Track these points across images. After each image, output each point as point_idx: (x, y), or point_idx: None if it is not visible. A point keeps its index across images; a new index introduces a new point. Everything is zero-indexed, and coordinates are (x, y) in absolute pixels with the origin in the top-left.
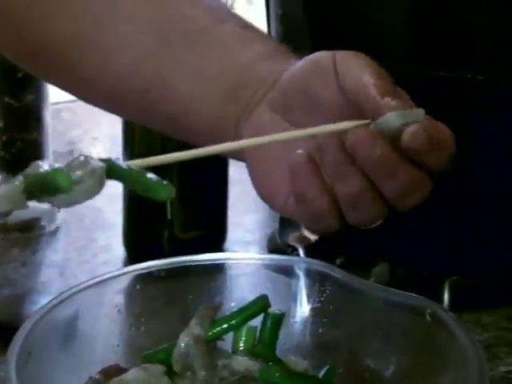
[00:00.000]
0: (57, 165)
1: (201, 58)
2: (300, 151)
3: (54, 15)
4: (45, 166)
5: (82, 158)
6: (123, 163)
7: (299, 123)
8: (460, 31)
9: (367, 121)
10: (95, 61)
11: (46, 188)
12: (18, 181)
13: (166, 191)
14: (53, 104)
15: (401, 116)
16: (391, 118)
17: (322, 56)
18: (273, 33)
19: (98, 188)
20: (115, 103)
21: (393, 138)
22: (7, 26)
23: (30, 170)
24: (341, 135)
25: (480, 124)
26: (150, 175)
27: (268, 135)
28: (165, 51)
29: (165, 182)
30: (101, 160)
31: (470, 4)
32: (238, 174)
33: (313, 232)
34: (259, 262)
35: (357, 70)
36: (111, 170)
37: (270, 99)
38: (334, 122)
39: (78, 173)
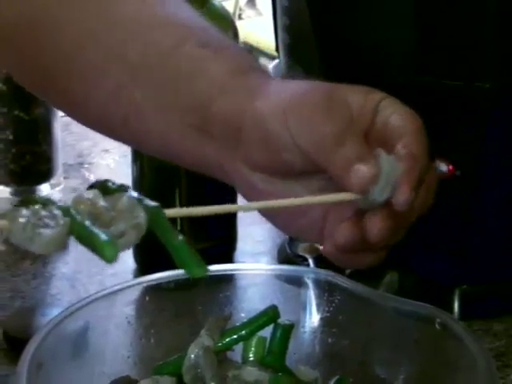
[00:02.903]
0: (103, 214)
1: (163, 90)
2: (327, 246)
3: (37, 41)
4: (90, 198)
5: (126, 197)
6: (163, 214)
7: (282, 177)
8: (467, 39)
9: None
10: (78, 88)
11: (89, 244)
12: (64, 224)
13: (200, 270)
14: (62, 116)
15: (384, 186)
16: (378, 194)
17: (272, 118)
18: (280, 43)
19: (136, 241)
20: (105, 130)
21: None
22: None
23: (74, 205)
24: (355, 219)
25: (488, 132)
26: (190, 249)
27: (279, 200)
28: (134, 82)
29: (201, 261)
30: (143, 205)
31: (476, 13)
32: None
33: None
34: (268, 272)
35: (313, 136)
36: (154, 224)
37: (241, 157)
38: (312, 176)
39: (122, 226)
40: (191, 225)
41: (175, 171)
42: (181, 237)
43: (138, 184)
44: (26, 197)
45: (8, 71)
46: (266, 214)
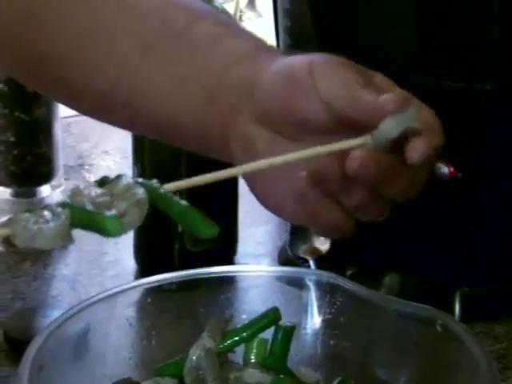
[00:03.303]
0: (102, 197)
1: (178, 62)
2: (302, 174)
3: (36, 29)
4: (87, 190)
5: (123, 181)
6: (161, 188)
7: (291, 136)
8: (467, 41)
9: (367, 137)
10: (80, 72)
11: (93, 227)
12: (65, 215)
13: (210, 230)
14: (62, 118)
15: (397, 124)
16: (388, 129)
17: (297, 66)
18: (282, 45)
19: (141, 218)
20: (103, 114)
21: (391, 146)
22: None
23: (72, 198)
24: (340, 154)
25: (488, 133)
26: (197, 212)
27: (268, 159)
28: (143, 58)
29: (209, 221)
30: (141, 184)
31: (477, 14)
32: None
33: (330, 238)
34: (270, 274)
35: (337, 84)
36: (155, 198)
37: (252, 111)
38: (324, 135)
39: (123, 205)
40: None
41: (176, 172)
42: (184, 202)
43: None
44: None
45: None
46: (246, 179)
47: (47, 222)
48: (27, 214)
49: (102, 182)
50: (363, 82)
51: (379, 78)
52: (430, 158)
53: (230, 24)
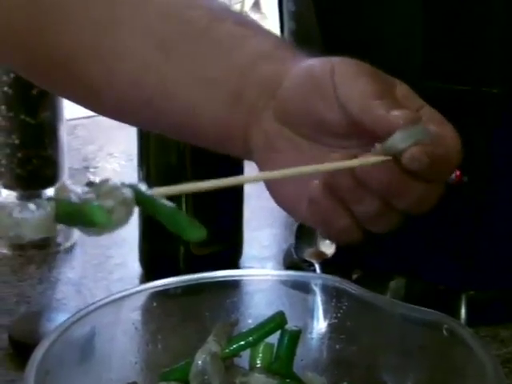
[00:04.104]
0: (88, 194)
1: (201, 62)
2: (316, 182)
3: (56, 26)
4: (72, 187)
5: (109, 182)
6: (148, 191)
7: (308, 136)
8: (475, 44)
9: (387, 158)
10: (99, 71)
11: (79, 219)
12: (50, 207)
13: (197, 233)
14: (67, 120)
15: (408, 137)
16: (398, 140)
17: (319, 68)
18: (286, 33)
19: (128, 217)
20: (123, 114)
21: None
22: (13, 42)
23: (58, 193)
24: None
25: (496, 137)
26: (184, 214)
27: (281, 170)
28: (165, 59)
29: (197, 223)
30: (127, 186)
31: (483, 17)
32: (252, 189)
33: (338, 243)
34: (276, 278)
35: (355, 90)
36: (142, 201)
37: (274, 109)
38: (341, 137)
39: (110, 202)
40: None
41: (182, 175)
42: (171, 204)
43: None
44: None
45: (14, 64)
46: (271, 183)
47: (32, 212)
48: (12, 204)
49: (89, 184)
50: (382, 92)
51: (402, 88)
52: (433, 167)
53: (250, 24)
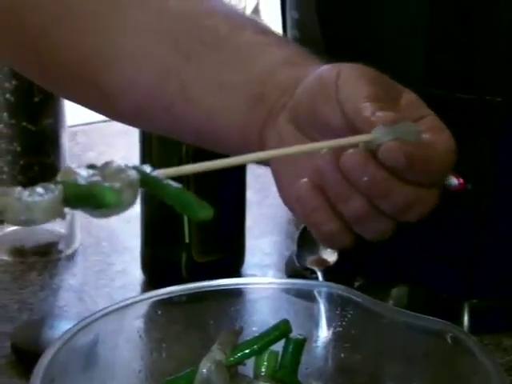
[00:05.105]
0: (95, 177)
1: (221, 69)
2: (304, 180)
3: (71, 33)
4: (78, 170)
5: (113, 164)
6: (154, 173)
7: (316, 139)
8: (478, 53)
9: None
10: (117, 78)
11: (88, 201)
12: (57, 190)
13: (205, 211)
14: (68, 127)
15: (388, 133)
16: (380, 135)
17: (326, 73)
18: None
19: (135, 199)
20: (142, 119)
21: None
22: (27, 50)
23: (63, 177)
24: (338, 157)
25: (500, 145)
26: (191, 193)
27: (278, 149)
28: (185, 64)
29: (204, 203)
30: (132, 168)
31: (488, 26)
32: (255, 196)
33: (330, 248)
34: (280, 286)
35: (354, 92)
36: (147, 182)
37: (288, 110)
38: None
39: (117, 184)
40: (200, 237)
41: (183, 182)
42: (177, 184)
43: (147, 194)
44: None
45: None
46: (274, 173)
47: (41, 195)
48: (20, 188)
49: (91, 167)
50: (377, 95)
51: (409, 96)
52: (414, 169)
53: (269, 32)
